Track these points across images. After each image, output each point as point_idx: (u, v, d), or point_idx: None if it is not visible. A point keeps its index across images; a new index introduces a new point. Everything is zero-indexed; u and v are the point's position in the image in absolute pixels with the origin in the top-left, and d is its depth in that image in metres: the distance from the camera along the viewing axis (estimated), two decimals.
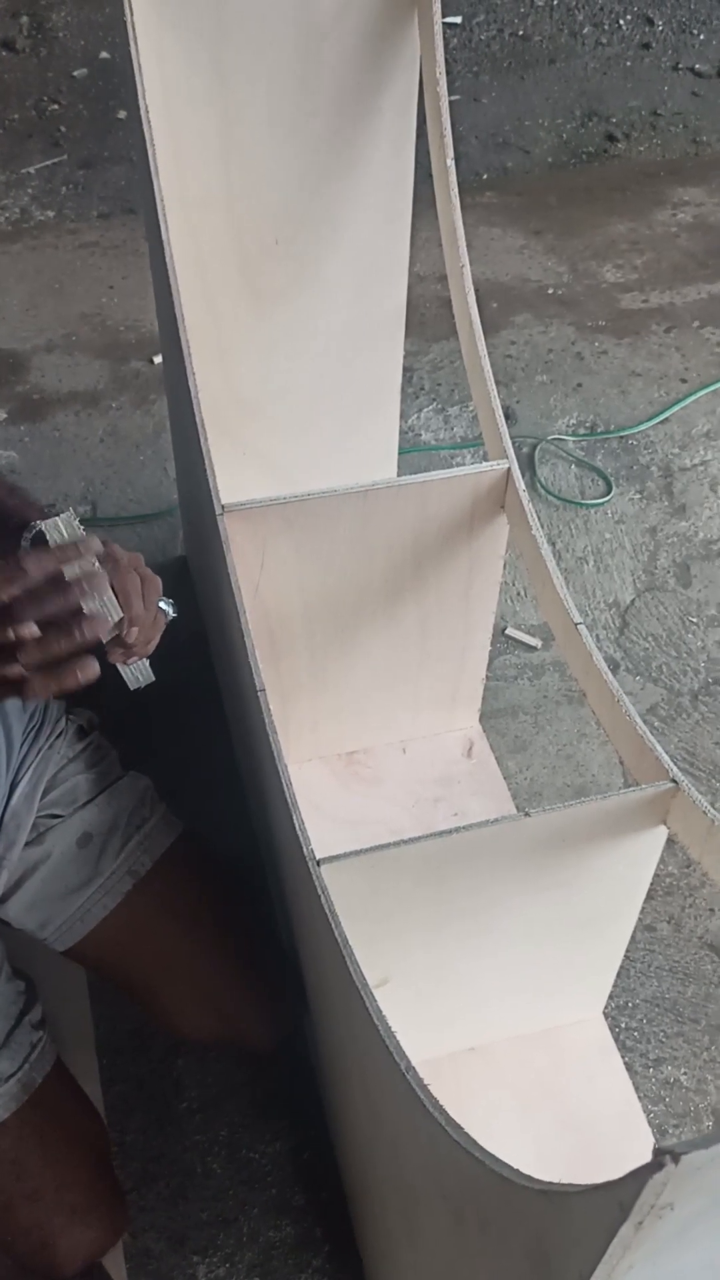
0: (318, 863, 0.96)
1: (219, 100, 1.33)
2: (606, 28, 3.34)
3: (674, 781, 1.01)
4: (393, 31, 1.32)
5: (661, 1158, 0.37)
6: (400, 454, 1.83)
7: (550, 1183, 0.48)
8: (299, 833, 0.98)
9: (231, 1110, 1.35)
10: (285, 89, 1.33)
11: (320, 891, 0.93)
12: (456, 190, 1.29)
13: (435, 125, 1.29)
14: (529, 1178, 0.51)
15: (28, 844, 1.19)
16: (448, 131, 1.28)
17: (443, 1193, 0.70)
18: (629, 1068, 1.34)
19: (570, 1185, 0.46)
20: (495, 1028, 1.32)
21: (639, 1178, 0.38)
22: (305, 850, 0.97)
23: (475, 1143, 0.58)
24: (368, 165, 1.43)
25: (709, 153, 2.96)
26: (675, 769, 1.01)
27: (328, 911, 0.91)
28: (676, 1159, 0.37)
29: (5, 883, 1.18)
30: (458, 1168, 0.61)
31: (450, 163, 1.28)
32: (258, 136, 1.37)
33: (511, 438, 2.20)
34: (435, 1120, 0.64)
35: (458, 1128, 0.61)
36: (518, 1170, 0.52)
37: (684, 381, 2.30)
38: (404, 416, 2.16)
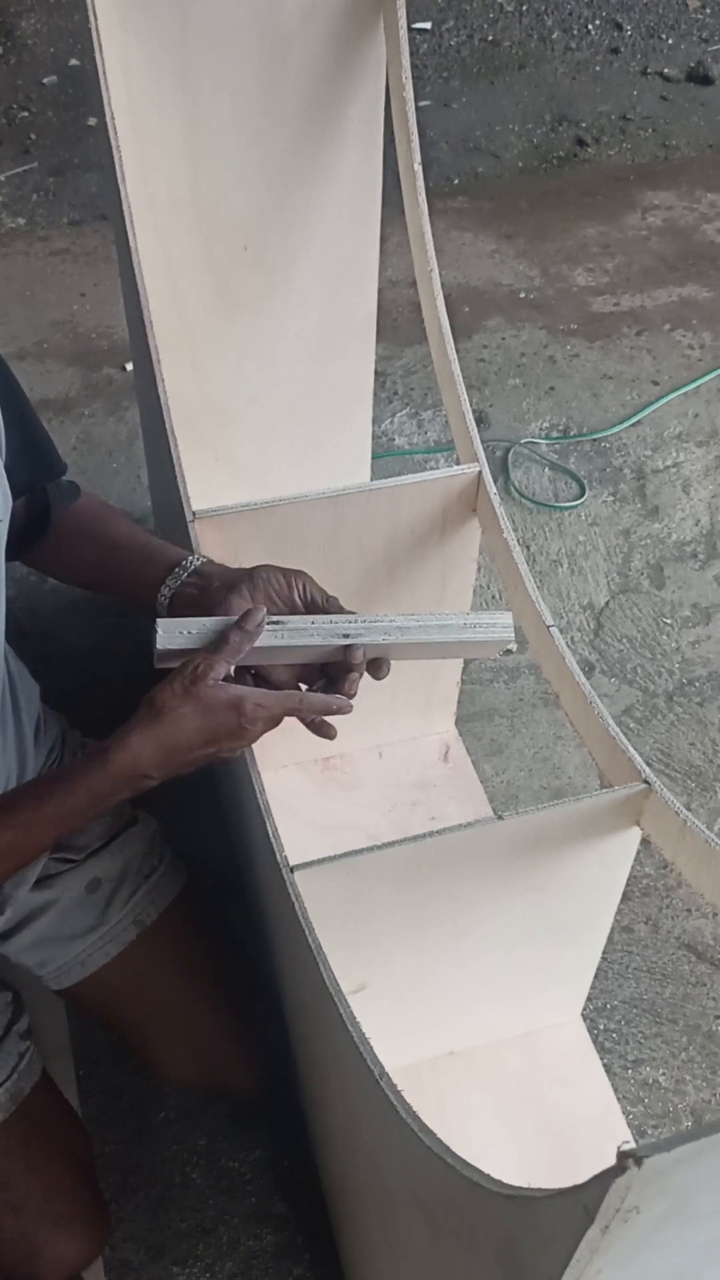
0: (291, 869, 0.95)
1: (185, 107, 1.33)
2: (575, 33, 3.35)
3: (646, 783, 1.01)
4: (358, 37, 1.33)
5: (625, 1161, 0.37)
6: (374, 459, 1.83)
7: (518, 1187, 0.48)
8: (272, 839, 0.97)
9: (210, 1120, 1.34)
10: (251, 95, 1.33)
11: (294, 898, 0.93)
12: (424, 194, 1.29)
13: (402, 129, 1.29)
14: (498, 1182, 0.51)
15: (36, 885, 1.19)
16: (415, 135, 1.28)
17: (417, 1198, 0.69)
18: (608, 1069, 1.34)
19: (537, 1190, 0.46)
20: (474, 1032, 1.32)
21: (603, 1181, 0.38)
22: (279, 857, 0.96)
23: (447, 1148, 0.58)
24: (336, 170, 1.43)
25: (678, 156, 2.97)
26: (648, 770, 1.01)
27: (301, 918, 0.91)
28: (639, 1162, 0.37)
29: (8, 920, 1.18)
30: (430, 1173, 0.61)
31: (418, 166, 1.28)
32: (225, 143, 1.37)
33: (484, 441, 2.20)
34: (408, 1126, 0.63)
35: (430, 1133, 0.61)
36: (488, 1175, 0.52)
37: (655, 384, 2.31)
38: (377, 421, 2.16)
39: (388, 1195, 0.81)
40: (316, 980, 0.85)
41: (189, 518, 1.21)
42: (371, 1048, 0.75)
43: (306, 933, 0.89)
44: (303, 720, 0.97)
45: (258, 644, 0.93)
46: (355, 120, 1.39)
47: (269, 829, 0.98)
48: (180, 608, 1.04)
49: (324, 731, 1.00)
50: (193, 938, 1.26)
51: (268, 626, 0.93)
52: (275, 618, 0.94)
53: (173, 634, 0.94)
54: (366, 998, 1.11)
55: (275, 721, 0.95)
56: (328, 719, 1.00)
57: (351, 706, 0.96)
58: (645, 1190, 0.39)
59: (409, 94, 1.29)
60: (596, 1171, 0.41)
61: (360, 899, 1.02)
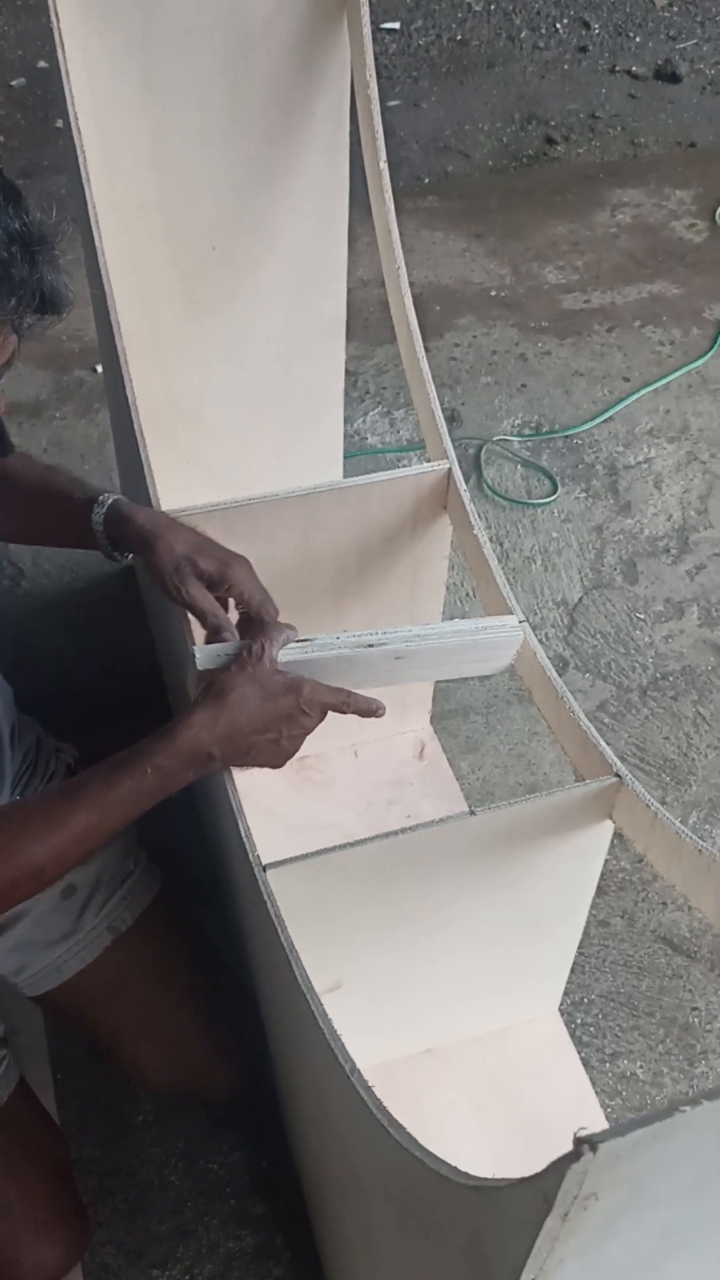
0: (264, 868, 0.95)
1: (149, 107, 1.33)
2: (544, 32, 3.36)
3: (618, 776, 1.01)
4: (322, 36, 1.33)
5: (580, 1147, 0.37)
6: (346, 458, 1.83)
7: (482, 1178, 0.48)
8: (244, 839, 0.97)
9: (188, 1121, 1.34)
10: (216, 95, 1.33)
11: (267, 897, 0.93)
12: (391, 193, 1.29)
13: (368, 128, 1.30)
14: (463, 1174, 0.51)
15: None
16: (380, 133, 1.28)
17: (388, 1194, 0.70)
18: (585, 1063, 1.34)
19: (500, 1180, 0.46)
20: (451, 1029, 1.32)
21: (559, 1168, 0.38)
22: (251, 856, 0.96)
23: (415, 1141, 0.58)
24: (302, 171, 1.43)
25: (647, 154, 2.98)
26: (619, 764, 1.02)
27: (274, 917, 0.91)
28: (594, 1148, 0.37)
29: None
30: (400, 1168, 0.61)
31: (384, 165, 1.28)
32: (190, 143, 1.37)
33: (457, 439, 2.21)
34: (377, 1121, 0.63)
35: (399, 1127, 0.61)
36: (454, 1168, 0.52)
37: (626, 380, 2.32)
38: (349, 420, 2.16)
39: (361, 1193, 0.81)
40: (289, 978, 0.85)
41: None
42: (343, 1044, 0.75)
43: (279, 932, 0.89)
44: (345, 712, 1.01)
45: (288, 659, 0.98)
46: (321, 120, 1.39)
47: (241, 829, 0.98)
48: (114, 525, 1.09)
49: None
50: (168, 941, 1.26)
51: (296, 643, 0.98)
52: (303, 636, 1.00)
53: (211, 657, 0.98)
54: (342, 996, 1.11)
55: (325, 713, 0.99)
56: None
57: (385, 710, 1.02)
58: (602, 1176, 0.39)
59: (374, 92, 1.29)
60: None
61: (333, 897, 1.02)
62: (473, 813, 1.01)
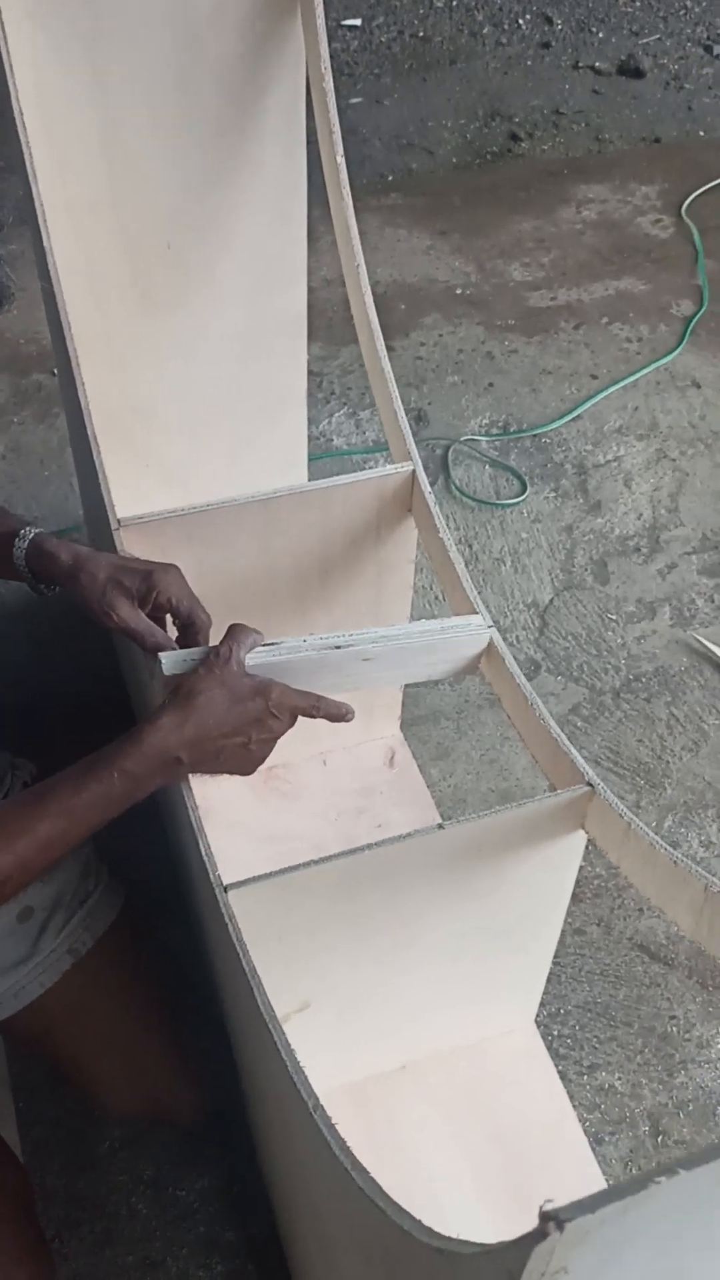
0: (225, 889, 0.92)
1: (98, 103, 1.29)
2: (506, 27, 3.34)
3: (590, 785, 0.98)
4: (275, 30, 1.29)
5: (546, 1225, 0.34)
6: (311, 460, 1.80)
7: (447, 1239, 0.45)
8: (205, 858, 0.94)
9: (156, 1147, 1.30)
10: (166, 90, 1.29)
11: (229, 919, 0.89)
12: (348, 187, 1.26)
13: (323, 120, 1.26)
14: (427, 1230, 0.47)
15: None
16: (336, 126, 1.25)
17: (353, 1235, 0.66)
18: (563, 1076, 1.31)
19: (463, 1244, 0.42)
20: (425, 1043, 1.29)
21: (524, 1246, 0.35)
22: (212, 876, 0.93)
23: (379, 1189, 0.55)
24: (257, 167, 1.39)
25: (611, 150, 2.97)
26: (590, 772, 0.99)
27: (236, 941, 0.87)
28: (561, 1226, 0.33)
29: None
30: (363, 1213, 0.58)
31: (340, 159, 1.25)
32: (142, 140, 1.33)
33: (424, 440, 2.18)
34: (341, 1164, 0.60)
35: (363, 1172, 0.58)
36: (418, 1222, 0.49)
37: (594, 378, 2.30)
38: (315, 422, 2.13)
39: (325, 1228, 0.78)
40: (251, 1005, 0.82)
41: (114, 525, 1.17)
42: (306, 1076, 0.71)
43: (241, 955, 0.85)
44: (314, 716, 1.00)
45: (255, 662, 0.96)
46: (275, 115, 1.36)
47: (202, 847, 0.94)
48: (35, 560, 1.06)
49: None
50: (131, 962, 1.22)
51: (263, 646, 0.97)
52: (270, 640, 0.98)
53: (177, 662, 0.97)
54: (310, 1014, 1.08)
55: (295, 718, 0.98)
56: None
57: (354, 715, 1.01)
58: (571, 1251, 0.35)
59: (329, 85, 1.26)
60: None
61: (298, 915, 0.98)
62: (441, 826, 0.98)
